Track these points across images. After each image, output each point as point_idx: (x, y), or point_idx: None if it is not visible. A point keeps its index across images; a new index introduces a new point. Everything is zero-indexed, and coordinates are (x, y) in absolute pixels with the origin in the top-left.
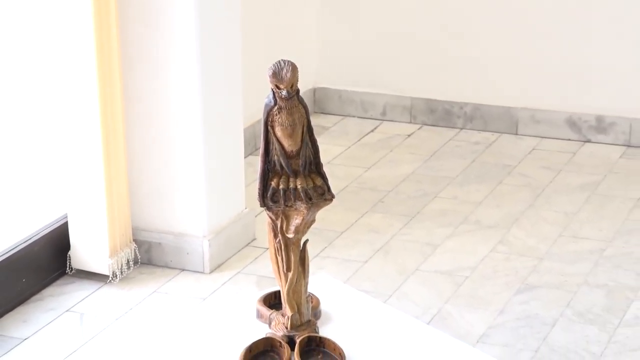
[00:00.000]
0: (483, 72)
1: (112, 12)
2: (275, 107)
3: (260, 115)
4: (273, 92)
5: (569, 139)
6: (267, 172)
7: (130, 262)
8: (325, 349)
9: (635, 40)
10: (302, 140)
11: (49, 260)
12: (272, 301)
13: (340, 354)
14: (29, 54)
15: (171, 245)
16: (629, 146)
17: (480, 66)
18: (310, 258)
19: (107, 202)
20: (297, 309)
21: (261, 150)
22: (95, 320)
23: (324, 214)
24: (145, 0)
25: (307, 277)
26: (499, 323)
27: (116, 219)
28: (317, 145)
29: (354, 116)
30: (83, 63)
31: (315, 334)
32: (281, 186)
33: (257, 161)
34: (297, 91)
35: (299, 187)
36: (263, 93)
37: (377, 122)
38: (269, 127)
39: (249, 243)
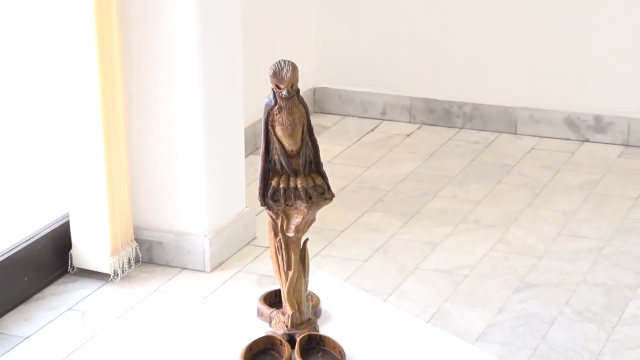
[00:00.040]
0: (482, 72)
1: (113, 12)
2: (276, 107)
3: (260, 115)
4: (273, 91)
5: (568, 139)
6: (268, 172)
7: (132, 261)
8: (325, 347)
9: (633, 40)
10: (302, 140)
11: (50, 259)
12: (273, 300)
13: (340, 352)
14: (30, 54)
15: (172, 244)
16: (627, 145)
17: (479, 66)
18: (310, 257)
19: (109, 201)
20: (298, 308)
21: (262, 150)
22: (97, 319)
23: (324, 213)
24: (147, 0)
25: (308, 275)
26: (498, 321)
27: (117, 218)
28: (317, 145)
29: (353, 116)
30: (84, 62)
31: (316, 333)
32: (281, 185)
33: (258, 160)
34: (297, 91)
35: (299, 186)
36: (263, 93)
37: (377, 121)
38: (270, 127)
39: (249, 242)
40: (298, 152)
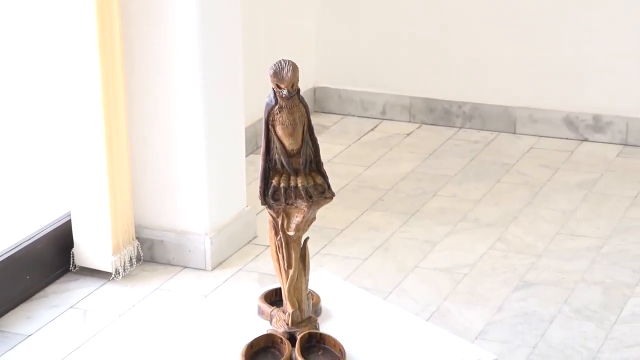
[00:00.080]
0: (482, 72)
1: (114, 12)
2: (276, 107)
3: (261, 115)
4: (274, 91)
5: (567, 138)
6: (268, 171)
7: (133, 260)
8: (325, 345)
9: (632, 41)
10: (302, 139)
11: (52, 258)
12: (273, 298)
13: (340, 350)
14: (32, 53)
15: (173, 243)
16: (625, 145)
17: (478, 66)
18: (310, 255)
19: (110, 200)
20: (298, 306)
21: (262, 149)
22: (99, 317)
23: (324, 212)
24: (148, 0)
25: (308, 274)
26: (497, 320)
27: (119, 217)
28: (318, 144)
29: (353, 115)
30: (86, 62)
31: (316, 331)
32: (282, 184)
33: (258, 160)
34: (298, 90)
35: (299, 185)
36: (264, 92)
37: (377, 121)
38: (270, 126)
39: (250, 241)
40: (298, 152)
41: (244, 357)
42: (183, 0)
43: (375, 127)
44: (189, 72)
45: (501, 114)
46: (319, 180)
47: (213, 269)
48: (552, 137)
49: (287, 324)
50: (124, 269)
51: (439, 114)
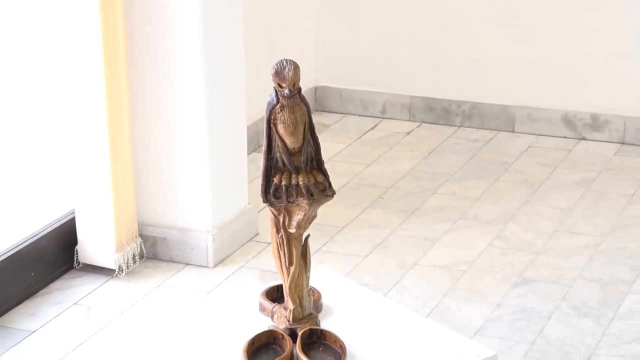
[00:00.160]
0: (481, 72)
1: (118, 12)
2: (278, 106)
3: (262, 114)
4: (275, 90)
5: (565, 137)
6: (270, 169)
7: (136, 257)
8: (326, 342)
9: (630, 40)
10: (303, 138)
11: (56, 255)
12: (275, 295)
13: (341, 346)
14: (37, 54)
15: (176, 240)
16: (623, 144)
17: (478, 65)
18: (311, 253)
19: (114, 198)
20: (299, 303)
21: (264, 148)
22: (102, 313)
23: (325, 210)
24: (151, 1)
25: (309, 271)
26: (496, 316)
27: (122, 215)
28: (319, 143)
29: (354, 114)
30: (90, 62)
31: (317, 327)
32: (283, 182)
33: (260, 158)
34: (299, 90)
35: (300, 183)
36: (265, 92)
37: (377, 120)
38: (272, 125)
39: (252, 238)
40: (300, 150)
41: (245, 353)
42: (185, 1)
43: (376, 125)
44: (192, 71)
45: (500, 113)
46: (320, 178)
47: (215, 266)
48: (551, 136)
49: (289, 321)
50: (127, 266)
51: (439, 113)
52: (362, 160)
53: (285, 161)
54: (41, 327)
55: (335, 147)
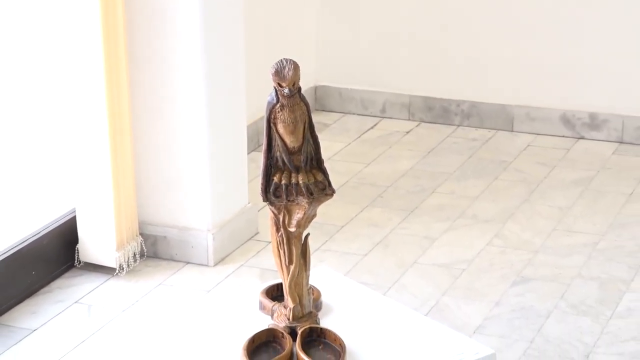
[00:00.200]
0: (480, 71)
1: (119, 11)
2: (278, 105)
3: (262, 113)
4: (275, 90)
5: (563, 136)
6: (270, 168)
7: (137, 255)
8: (326, 340)
9: (628, 40)
10: (303, 137)
11: (57, 253)
12: (275, 293)
13: (340, 344)
14: (38, 52)
15: (176, 239)
16: (621, 143)
17: (477, 65)
18: (311, 251)
19: (114, 197)
20: (299, 301)
21: (264, 147)
22: (103, 312)
23: (324, 209)
24: (151, 0)
25: (309, 269)
26: (495, 314)
27: (123, 214)
28: (318, 142)
29: (354, 113)
30: (91, 61)
31: (317, 325)
32: (283, 181)
33: (260, 157)
34: (299, 89)
35: (300, 182)
36: (265, 91)
37: (377, 119)
38: (272, 124)
39: (252, 237)
40: (299, 149)
41: (245, 352)
42: (186, 1)
43: (375, 125)
44: (192, 71)
45: (499, 112)
46: (320, 177)
47: (215, 264)
48: (549, 135)
49: (288, 319)
50: (128, 265)
51: (438, 112)
52: (362, 160)
53: (285, 160)
54: (42, 325)
55: (335, 146)
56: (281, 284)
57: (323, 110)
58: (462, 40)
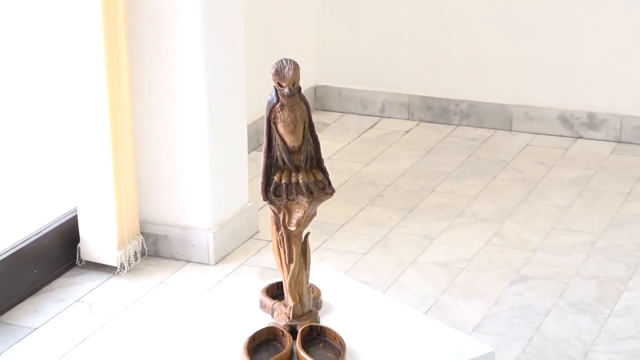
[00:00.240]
0: (479, 71)
1: (119, 11)
2: (278, 104)
3: (262, 113)
4: (275, 89)
5: (562, 135)
6: (270, 167)
7: (138, 254)
8: (326, 338)
9: (626, 40)
10: (303, 137)
11: (59, 252)
12: (275, 292)
13: (340, 343)
14: (39, 52)
15: (177, 238)
16: (619, 142)
17: (476, 65)
18: (311, 250)
19: (115, 196)
20: (299, 300)
21: (264, 146)
22: (104, 310)
23: (324, 208)
24: (152, 0)
25: (309, 268)
26: (493, 313)
27: (124, 213)
28: (318, 141)
29: (353, 113)
30: (92, 61)
31: (317, 324)
32: (283, 181)
33: (260, 157)
34: (299, 89)
35: (300, 181)
36: (265, 91)
37: (376, 118)
38: (272, 124)
39: (252, 236)
40: (299, 149)
41: (246, 350)
42: (186, 1)
43: (375, 124)
44: (193, 70)
45: (498, 111)
46: (320, 176)
47: (216, 263)
48: (548, 135)
49: (289, 317)
50: (129, 264)
51: (437, 111)
52: (361, 159)
53: (285, 159)
54: (43, 324)
55: (334, 145)
56: (281, 282)
57: (323, 110)
58: (462, 40)
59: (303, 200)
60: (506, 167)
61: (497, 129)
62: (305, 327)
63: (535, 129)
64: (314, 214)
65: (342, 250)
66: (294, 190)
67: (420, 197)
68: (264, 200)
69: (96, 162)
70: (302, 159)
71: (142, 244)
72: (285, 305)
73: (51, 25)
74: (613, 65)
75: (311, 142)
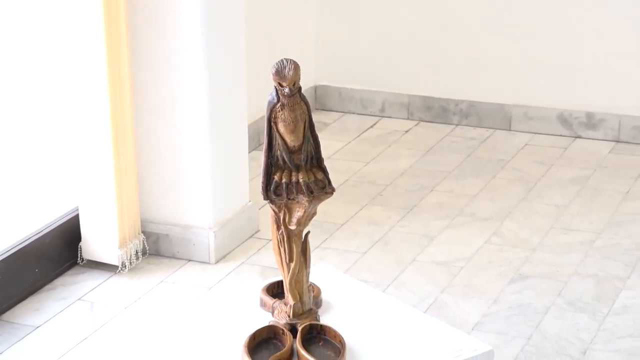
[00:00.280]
0: (478, 71)
1: (121, 10)
2: (278, 104)
3: (263, 112)
4: (276, 89)
5: (561, 135)
6: (271, 167)
7: (139, 253)
8: (326, 337)
9: (625, 40)
10: (303, 136)
11: (60, 251)
12: (275, 290)
13: (340, 341)
14: (41, 52)
15: (178, 237)
16: (617, 142)
17: (475, 65)
18: (311, 249)
19: (117, 195)
20: (299, 298)
21: (265, 146)
22: (105, 309)
23: (324, 207)
24: (153, 0)
25: (309, 267)
26: (493, 312)
27: (125, 212)
28: (319, 141)
29: (353, 113)
30: (94, 61)
31: (317, 322)
32: (284, 180)
33: (261, 156)
34: (299, 88)
35: (300, 180)
36: (266, 91)
37: (376, 118)
38: (272, 124)
39: (252, 235)
40: (300, 148)
41: (246, 348)
42: (187, 1)
43: (375, 124)
44: (194, 70)
45: (497, 111)
46: (320, 176)
47: (217, 262)
48: (547, 134)
49: (289, 316)
50: (130, 262)
51: (437, 111)
52: (361, 158)
53: (286, 159)
54: (45, 322)
55: (334, 145)
56: (282, 281)
57: (323, 110)
58: (461, 40)
59: (303, 199)
60: (505, 167)
61: (496, 129)
62: (305, 326)
63: (534, 129)
64: (314, 213)
65: (342, 249)
66: (294, 190)
67: (420, 196)
68: (265, 199)
69: (97, 161)
70: (302, 159)
71: (143, 243)
72: (285, 304)
73: (53, 26)
74: (612, 65)
75: (311, 141)
